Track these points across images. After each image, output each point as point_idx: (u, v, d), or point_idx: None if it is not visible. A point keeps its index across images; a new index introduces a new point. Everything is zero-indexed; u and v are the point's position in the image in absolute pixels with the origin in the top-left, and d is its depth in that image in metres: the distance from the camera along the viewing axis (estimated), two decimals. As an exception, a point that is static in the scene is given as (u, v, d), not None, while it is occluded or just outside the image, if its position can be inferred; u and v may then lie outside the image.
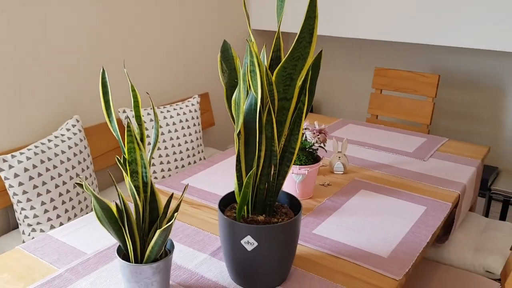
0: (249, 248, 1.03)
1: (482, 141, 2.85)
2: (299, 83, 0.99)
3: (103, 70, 0.97)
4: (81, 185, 0.94)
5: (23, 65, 1.86)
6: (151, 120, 2.20)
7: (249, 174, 0.99)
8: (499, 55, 2.68)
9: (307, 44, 0.94)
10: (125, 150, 0.96)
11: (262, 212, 1.10)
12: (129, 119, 0.93)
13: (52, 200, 1.71)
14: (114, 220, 0.96)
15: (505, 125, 2.76)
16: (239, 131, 1.01)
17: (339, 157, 1.74)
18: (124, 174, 0.94)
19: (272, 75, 0.97)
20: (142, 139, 1.00)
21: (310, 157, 1.52)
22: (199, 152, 2.38)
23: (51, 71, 1.97)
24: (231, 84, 1.06)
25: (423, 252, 1.30)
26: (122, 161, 0.96)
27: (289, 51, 0.94)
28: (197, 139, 2.37)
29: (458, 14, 2.39)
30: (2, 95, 1.80)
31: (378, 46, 3.07)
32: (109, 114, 0.98)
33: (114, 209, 0.95)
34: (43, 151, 1.73)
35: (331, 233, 1.34)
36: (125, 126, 0.93)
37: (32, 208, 1.68)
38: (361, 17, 2.68)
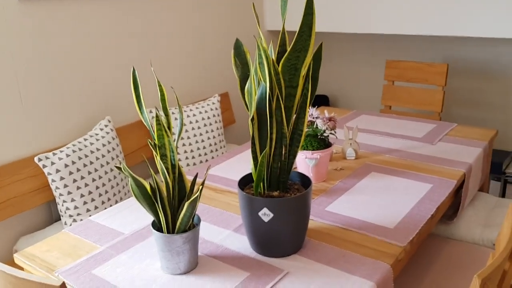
0: (266, 219, 1.18)
1: (494, 126, 2.92)
2: (303, 72, 1.13)
3: (133, 69, 1.13)
4: (119, 168, 1.10)
5: (59, 75, 2.05)
6: (175, 119, 2.37)
7: (262, 153, 1.13)
8: (508, 42, 2.76)
9: (307, 37, 1.08)
10: (155, 136, 1.11)
11: (276, 188, 1.25)
12: (157, 111, 1.09)
13: (90, 192, 1.89)
14: (148, 197, 1.12)
15: (518, 110, 2.83)
16: (253, 117, 1.16)
17: (351, 144, 1.87)
18: (155, 155, 1.10)
19: (278, 66, 1.11)
20: (169, 127, 1.15)
21: (322, 143, 1.66)
22: (221, 148, 2.54)
23: (83, 79, 2.15)
24: (244, 77, 1.21)
25: (428, 224, 1.42)
26: (153, 145, 1.12)
27: (292, 44, 1.08)
28: (218, 135, 2.52)
29: (466, 3, 2.49)
30: (43, 102, 2.00)
31: (389, 40, 3.18)
32: (140, 107, 1.14)
33: (148, 187, 1.11)
34: (80, 149, 1.91)
35: (342, 209, 1.47)
36: (154, 119, 1.08)
37: (72, 200, 1.86)
38: (372, 13, 2.80)
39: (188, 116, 2.42)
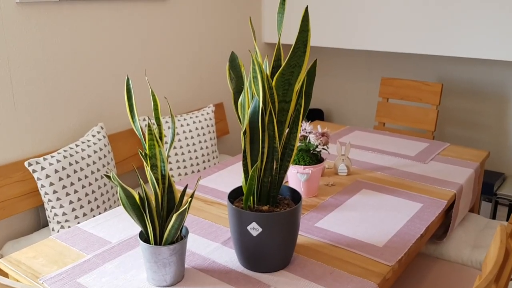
0: (254, 233, 1.17)
1: (487, 148, 2.93)
2: (296, 87, 1.13)
3: (127, 78, 1.13)
4: (108, 177, 1.09)
5: (54, 79, 2.05)
6: (169, 128, 2.36)
7: (253, 167, 1.13)
8: (503, 64, 2.78)
9: (302, 53, 1.08)
10: (146, 146, 1.11)
11: (266, 203, 1.24)
12: (150, 120, 1.08)
13: (79, 199, 1.88)
14: (137, 207, 1.11)
15: (510, 132, 2.85)
16: (245, 130, 1.16)
17: (343, 160, 1.87)
18: (145, 165, 1.09)
19: (272, 81, 1.12)
20: (160, 138, 1.15)
21: (314, 158, 1.66)
22: (214, 158, 2.53)
23: (78, 84, 2.15)
24: (238, 90, 1.21)
25: (417, 243, 1.41)
26: (144, 155, 1.11)
27: (286, 59, 1.08)
28: (212, 145, 2.52)
29: (462, 25, 2.52)
30: (36, 106, 1.99)
31: (385, 57, 3.20)
32: (132, 116, 1.13)
33: (137, 197, 1.10)
34: (71, 155, 1.90)
35: (331, 226, 1.46)
36: (146, 128, 1.08)
37: (61, 206, 1.85)
38: (369, 30, 2.82)
39: (181, 125, 2.42)
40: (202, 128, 2.48)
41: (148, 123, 1.09)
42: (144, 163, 1.10)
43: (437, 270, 1.70)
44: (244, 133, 1.16)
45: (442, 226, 1.88)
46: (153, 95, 1.14)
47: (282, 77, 1.11)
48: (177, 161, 2.38)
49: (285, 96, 1.14)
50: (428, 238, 1.68)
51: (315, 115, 3.48)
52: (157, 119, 1.15)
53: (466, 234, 1.89)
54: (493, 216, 2.71)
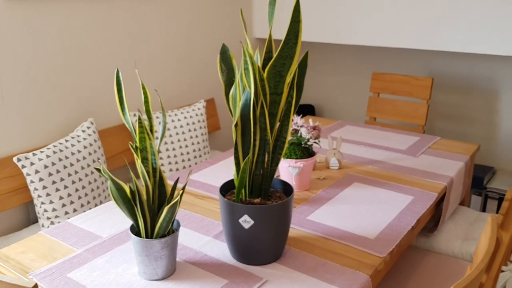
0: (246, 226, 1.17)
1: (477, 142, 2.95)
2: (288, 79, 1.13)
3: (117, 70, 1.12)
4: (99, 170, 1.08)
5: (43, 74, 2.03)
6: (159, 123, 2.35)
7: (245, 160, 1.13)
8: (493, 58, 2.80)
9: (293, 45, 1.08)
10: (137, 139, 1.10)
11: (258, 195, 1.24)
12: (140, 114, 1.08)
13: (69, 195, 1.86)
14: (128, 200, 1.10)
15: (499, 127, 2.87)
16: (236, 122, 1.15)
17: (334, 154, 1.87)
18: (136, 158, 1.08)
19: (264, 72, 1.11)
20: (151, 130, 1.14)
21: (305, 152, 1.66)
22: (205, 154, 2.52)
23: (67, 79, 2.13)
24: (229, 82, 1.20)
25: (409, 235, 1.42)
26: (134, 148, 1.10)
27: (278, 51, 1.08)
28: (203, 141, 2.51)
29: (453, 20, 2.53)
30: (25, 102, 1.97)
31: (376, 52, 3.21)
32: (122, 108, 1.12)
33: (128, 190, 1.09)
34: (61, 150, 1.88)
35: (323, 219, 1.46)
36: (137, 122, 1.07)
37: (51, 202, 1.83)
38: (359, 25, 2.82)
39: (172, 120, 2.41)
40: (193, 123, 2.47)
41: (139, 116, 1.08)
42: (135, 156, 1.09)
43: (428, 262, 1.71)
44: (236, 125, 1.16)
45: (433, 219, 1.89)
46: (144, 88, 1.13)
47: (274, 68, 1.11)
48: (168, 156, 2.36)
49: (277, 88, 1.14)
50: (419, 231, 1.69)
51: (306, 111, 3.48)
52: (148, 112, 1.14)
53: (456, 227, 1.90)
54: (483, 210, 2.73)
